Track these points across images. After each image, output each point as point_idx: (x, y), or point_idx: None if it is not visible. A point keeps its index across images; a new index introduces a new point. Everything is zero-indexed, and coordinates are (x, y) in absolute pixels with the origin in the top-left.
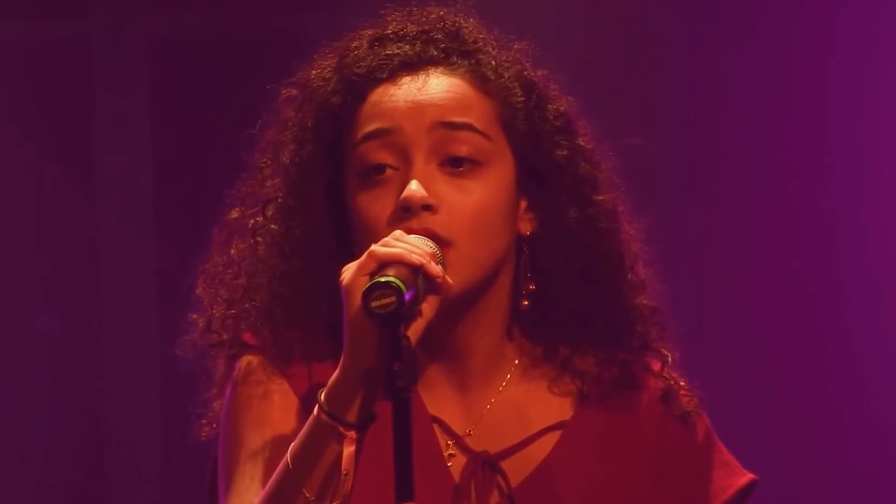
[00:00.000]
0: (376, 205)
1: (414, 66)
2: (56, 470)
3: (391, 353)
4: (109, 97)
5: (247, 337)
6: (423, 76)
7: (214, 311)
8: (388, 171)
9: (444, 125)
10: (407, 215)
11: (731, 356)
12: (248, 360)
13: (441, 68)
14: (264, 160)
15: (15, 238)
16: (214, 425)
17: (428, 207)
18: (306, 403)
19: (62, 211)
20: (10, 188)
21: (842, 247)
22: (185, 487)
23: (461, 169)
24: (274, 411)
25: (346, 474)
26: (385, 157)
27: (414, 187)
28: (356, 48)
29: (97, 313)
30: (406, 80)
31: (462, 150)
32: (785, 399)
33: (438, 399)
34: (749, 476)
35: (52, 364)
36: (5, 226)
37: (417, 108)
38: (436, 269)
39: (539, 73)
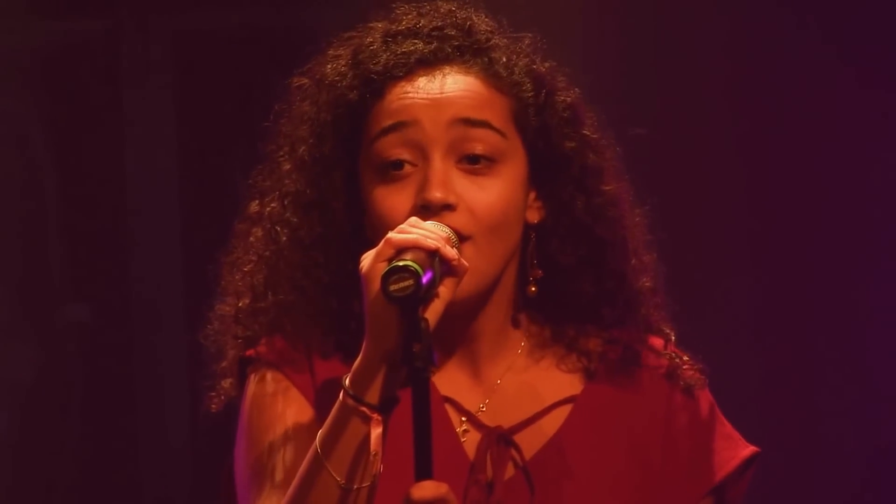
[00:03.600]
0: (394, 200)
1: (430, 63)
2: (88, 457)
3: (410, 335)
4: (136, 92)
5: (256, 350)
6: (440, 75)
7: (240, 304)
8: (406, 167)
9: (463, 122)
10: (426, 213)
11: (732, 345)
12: (259, 372)
13: (456, 66)
14: (281, 153)
15: (46, 230)
16: (223, 397)
17: (447, 206)
18: (319, 402)
19: (91, 203)
20: (41, 182)
21: (844, 242)
22: (213, 472)
23: (478, 166)
24: (290, 416)
25: (375, 455)
26: (402, 153)
27: (435, 188)
28: (370, 43)
29: (126, 302)
30: (423, 79)
31: (479, 149)
32: (784, 383)
33: (449, 380)
34: (752, 448)
35: (83, 352)
36: (36, 218)
37: (436, 105)
38: (451, 252)
39: (546, 65)
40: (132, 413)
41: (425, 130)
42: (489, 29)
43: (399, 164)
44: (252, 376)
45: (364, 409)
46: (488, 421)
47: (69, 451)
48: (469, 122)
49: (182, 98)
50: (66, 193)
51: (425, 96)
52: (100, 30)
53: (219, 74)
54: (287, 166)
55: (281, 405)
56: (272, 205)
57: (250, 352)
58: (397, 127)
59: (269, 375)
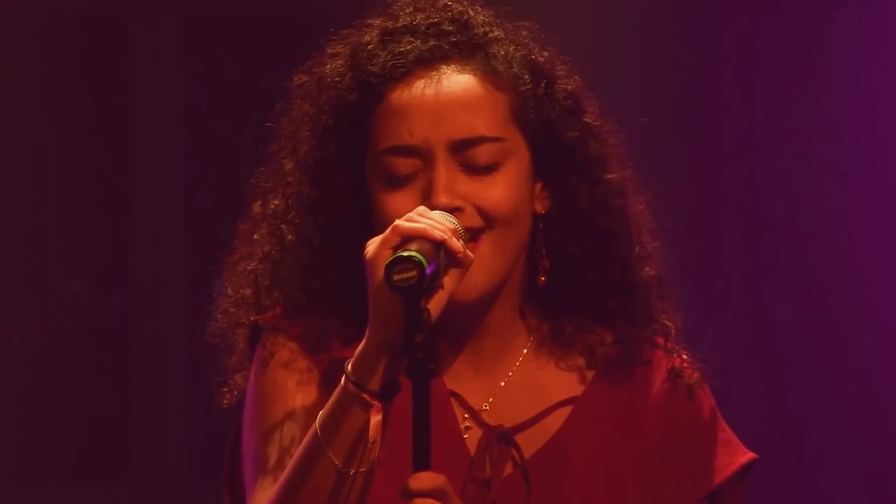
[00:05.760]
0: (400, 203)
1: (428, 62)
2: (84, 428)
3: (412, 325)
4: (144, 74)
5: (274, 319)
6: (437, 76)
7: (243, 293)
8: (412, 173)
9: (460, 144)
10: None
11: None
12: (273, 343)
13: (454, 65)
14: (283, 154)
15: (49, 207)
16: (236, 392)
17: (455, 210)
18: (330, 382)
19: (95, 182)
20: (47, 161)
21: (846, 240)
22: (208, 446)
23: (480, 168)
24: (300, 392)
25: (374, 442)
26: (407, 169)
27: (440, 194)
28: (368, 42)
29: (125, 277)
30: (421, 81)
31: (480, 161)
32: (784, 382)
33: (456, 375)
34: (750, 455)
35: (82, 325)
36: (41, 196)
37: (436, 120)
38: (457, 244)
39: (546, 53)
40: (127, 403)
41: (429, 146)
42: (487, 21)
43: (406, 175)
44: (264, 343)
45: (365, 395)
46: (491, 419)
47: (64, 429)
48: (465, 144)
49: (191, 84)
50: (69, 180)
51: (425, 109)
52: (109, 12)
53: (229, 60)
54: (289, 166)
55: (290, 375)
56: (275, 202)
57: (264, 318)
58: (402, 150)
59: (281, 343)
